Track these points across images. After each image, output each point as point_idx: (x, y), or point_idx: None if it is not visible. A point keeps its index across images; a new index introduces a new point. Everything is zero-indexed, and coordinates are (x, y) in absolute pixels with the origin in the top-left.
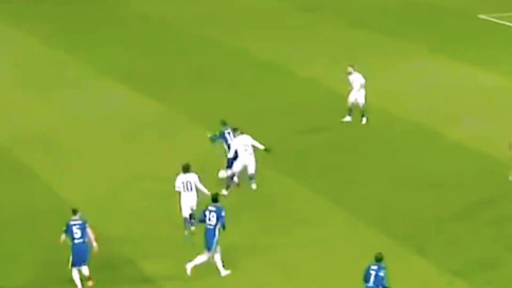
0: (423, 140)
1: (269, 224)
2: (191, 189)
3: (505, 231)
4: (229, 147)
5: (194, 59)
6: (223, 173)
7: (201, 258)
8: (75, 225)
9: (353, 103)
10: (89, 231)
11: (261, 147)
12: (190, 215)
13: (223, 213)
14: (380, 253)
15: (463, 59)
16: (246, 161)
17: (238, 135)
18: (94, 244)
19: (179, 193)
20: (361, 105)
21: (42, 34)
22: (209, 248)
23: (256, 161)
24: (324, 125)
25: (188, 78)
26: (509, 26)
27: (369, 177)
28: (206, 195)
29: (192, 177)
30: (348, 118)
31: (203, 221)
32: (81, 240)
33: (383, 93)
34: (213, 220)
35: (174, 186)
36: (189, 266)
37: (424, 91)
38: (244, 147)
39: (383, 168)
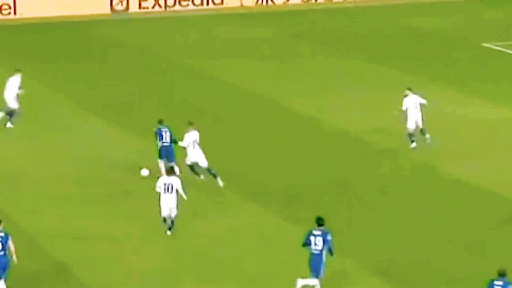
0: (423, 178)
1: (260, 266)
2: (171, 191)
3: None
4: (163, 145)
5: (178, 92)
6: (145, 171)
7: (312, 282)
8: None
9: (413, 128)
10: (10, 243)
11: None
12: (171, 220)
13: (329, 237)
14: (503, 268)
15: (466, 90)
16: (194, 157)
17: (191, 130)
18: (14, 257)
19: (159, 194)
20: (420, 126)
21: (16, 66)
22: (317, 275)
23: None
24: (317, 161)
25: (172, 112)
26: None
27: (367, 219)
28: (184, 199)
29: (174, 180)
30: (413, 145)
31: (307, 245)
32: (1, 253)
33: (380, 126)
34: (319, 245)
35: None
36: None
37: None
38: (192, 144)
39: (380, 209)
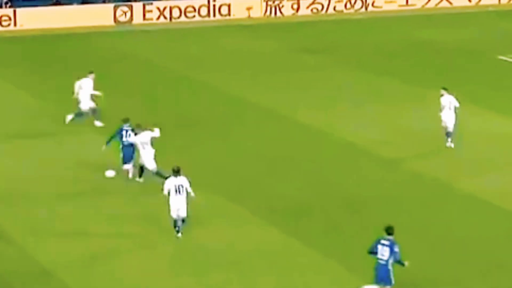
0: (435, 193)
1: (265, 283)
2: (181, 192)
3: None
4: (123, 144)
5: (183, 104)
6: (111, 173)
7: None
8: None
9: (445, 127)
10: None
11: (157, 134)
12: (180, 220)
13: (396, 248)
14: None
15: (481, 103)
16: (143, 157)
17: (142, 131)
18: None
19: (168, 195)
20: (450, 128)
21: (17, 79)
22: (387, 284)
23: (154, 158)
24: (326, 175)
25: (175, 126)
26: None
27: (377, 235)
28: (193, 198)
29: (183, 181)
30: (449, 144)
31: (374, 253)
32: None
33: (391, 140)
34: (386, 255)
35: (162, 189)
36: None
37: (437, 138)
38: (142, 145)
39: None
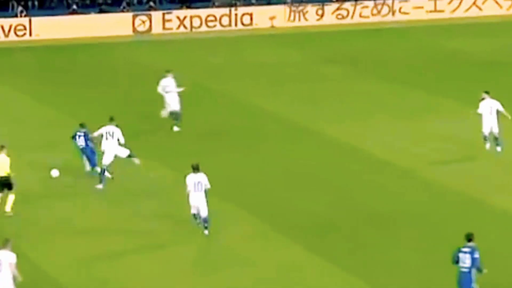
0: (465, 209)
1: None
2: (201, 189)
3: None
4: (80, 148)
5: (204, 116)
6: (55, 172)
7: None
8: None
9: (488, 133)
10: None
11: (122, 141)
12: (200, 216)
13: (476, 255)
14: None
15: None
16: (109, 148)
17: (108, 124)
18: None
19: (188, 193)
20: (495, 133)
21: (32, 89)
22: None
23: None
24: (352, 191)
25: (196, 137)
26: None
27: (405, 253)
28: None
29: (202, 177)
30: (487, 146)
31: (456, 262)
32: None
33: (419, 154)
34: (467, 263)
35: (186, 188)
36: None
37: (469, 152)
38: (105, 135)
39: (420, 242)
